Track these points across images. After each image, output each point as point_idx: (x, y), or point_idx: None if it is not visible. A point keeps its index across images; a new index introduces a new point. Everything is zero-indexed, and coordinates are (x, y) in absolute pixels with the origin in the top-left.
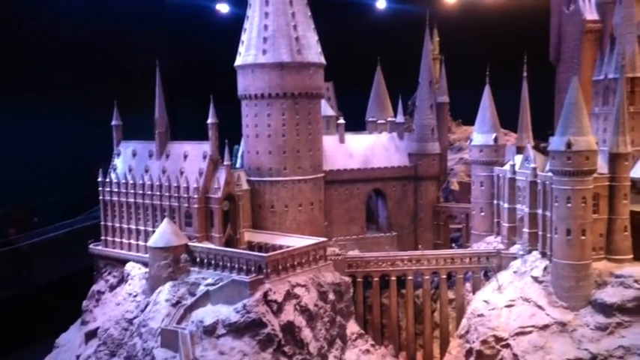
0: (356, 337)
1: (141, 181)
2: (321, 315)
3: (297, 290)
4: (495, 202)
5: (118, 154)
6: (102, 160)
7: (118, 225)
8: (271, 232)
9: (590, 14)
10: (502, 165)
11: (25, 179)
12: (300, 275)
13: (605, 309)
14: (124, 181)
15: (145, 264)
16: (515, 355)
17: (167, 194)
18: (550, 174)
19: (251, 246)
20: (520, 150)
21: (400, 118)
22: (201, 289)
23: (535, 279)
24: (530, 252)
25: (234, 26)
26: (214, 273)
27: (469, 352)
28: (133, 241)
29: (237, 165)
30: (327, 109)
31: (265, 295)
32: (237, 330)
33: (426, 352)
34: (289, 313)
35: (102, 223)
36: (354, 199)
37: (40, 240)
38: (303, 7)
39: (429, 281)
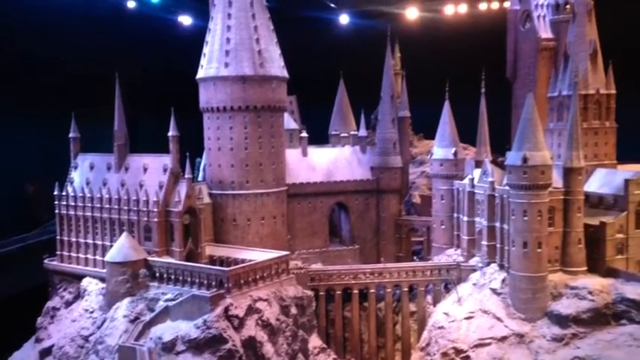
0: (318, 351)
1: (99, 195)
2: (283, 329)
3: (259, 305)
4: (455, 215)
5: (76, 167)
6: (59, 174)
7: (74, 239)
8: (233, 246)
9: (545, 33)
10: (462, 179)
11: None
12: (262, 289)
13: (560, 320)
14: (81, 194)
15: (102, 279)
16: None
17: (126, 208)
18: (507, 188)
19: (212, 260)
20: (479, 164)
21: (363, 132)
22: (161, 304)
23: (494, 291)
24: (488, 264)
25: (196, 38)
26: (174, 288)
27: None
28: (89, 256)
29: (200, 178)
30: (290, 122)
31: (226, 310)
32: (197, 346)
33: None
34: (251, 328)
35: (57, 237)
36: (317, 213)
37: None
38: (265, 21)
39: (391, 294)
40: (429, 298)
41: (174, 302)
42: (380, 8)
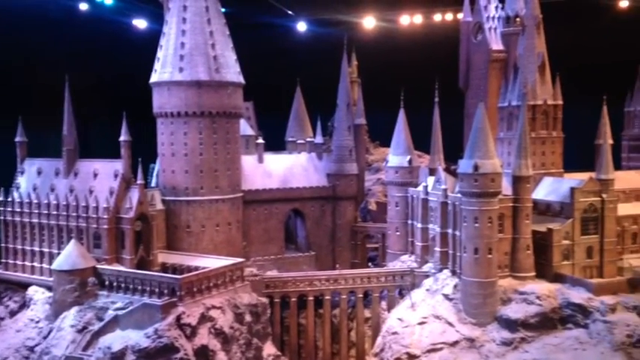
0: (272, 358)
1: (46, 201)
2: (237, 337)
3: (213, 313)
4: (410, 222)
5: (22, 172)
6: (4, 179)
7: (20, 247)
8: (187, 253)
9: (496, 44)
10: (416, 186)
11: None
12: (215, 297)
13: (510, 325)
14: (27, 200)
15: (49, 288)
16: None
17: (74, 214)
18: (459, 195)
19: (165, 268)
20: (433, 172)
21: (319, 139)
22: (110, 313)
23: (446, 296)
24: (441, 270)
25: (151, 42)
26: (124, 297)
27: None
28: (36, 264)
29: (153, 184)
30: (246, 128)
31: (178, 318)
32: (147, 356)
33: None
34: (203, 337)
35: (2, 244)
36: (273, 219)
37: None
38: (221, 27)
39: (345, 300)
40: (384, 304)
41: (124, 311)
42: (337, 17)
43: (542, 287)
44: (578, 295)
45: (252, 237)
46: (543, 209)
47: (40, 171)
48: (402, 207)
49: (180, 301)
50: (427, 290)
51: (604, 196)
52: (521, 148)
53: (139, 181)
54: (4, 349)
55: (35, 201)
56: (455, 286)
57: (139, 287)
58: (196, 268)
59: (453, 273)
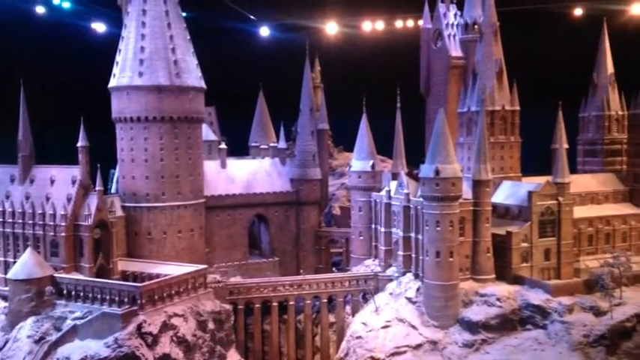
0: None
1: (1, 208)
2: (200, 345)
3: (175, 321)
4: (373, 226)
5: None
6: None
7: None
8: (148, 260)
9: (455, 51)
10: (379, 191)
11: None
12: (177, 305)
13: (471, 327)
14: None
15: (5, 298)
16: None
17: (31, 222)
18: (421, 199)
19: (125, 276)
20: (395, 176)
21: (283, 144)
22: (68, 323)
23: (409, 300)
24: (404, 274)
25: (111, 46)
26: (83, 306)
27: None
28: None
29: (113, 190)
30: (208, 133)
31: (139, 327)
32: None
33: None
34: (165, 345)
35: None
36: (237, 225)
37: None
38: (181, 31)
39: (310, 305)
40: (348, 308)
41: (83, 321)
42: (300, 22)
43: (502, 289)
44: (536, 297)
45: (215, 243)
46: (502, 213)
47: None
48: (365, 211)
49: (141, 310)
50: (391, 294)
51: (560, 199)
52: (480, 152)
53: (97, 188)
54: None
55: None
56: (418, 290)
57: (99, 296)
58: (158, 276)
59: (416, 276)
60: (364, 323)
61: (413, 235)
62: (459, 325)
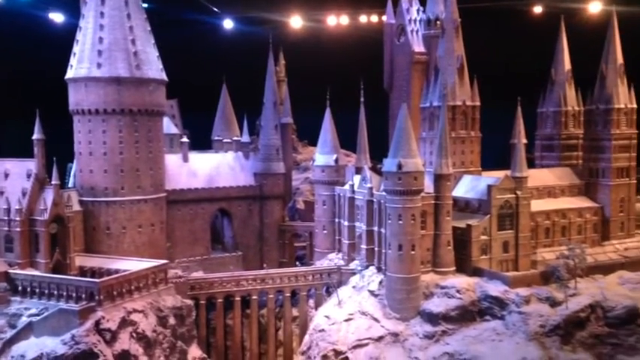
0: None
1: None
2: (160, 341)
3: (134, 316)
4: (337, 220)
5: None
6: None
7: None
8: (107, 255)
9: (418, 47)
10: (342, 185)
11: None
12: (137, 300)
13: (432, 318)
14: None
15: None
16: None
17: None
18: (384, 193)
19: (83, 271)
20: (359, 170)
21: (246, 138)
22: (24, 320)
23: (371, 293)
24: (367, 267)
25: (69, 37)
26: (39, 302)
27: None
28: None
29: (71, 184)
30: (170, 127)
31: (97, 323)
32: None
33: None
34: (124, 342)
35: None
36: (199, 219)
37: None
38: (142, 22)
39: (273, 300)
40: (311, 302)
41: (38, 317)
42: (264, 15)
43: (462, 281)
44: (495, 288)
45: (176, 238)
46: (463, 206)
47: None
48: (329, 205)
49: (99, 306)
50: (354, 287)
51: (518, 193)
52: (441, 147)
53: (53, 182)
54: None
55: None
56: (380, 283)
57: (55, 292)
58: (116, 271)
59: (379, 270)
60: (327, 316)
61: (376, 228)
62: (420, 317)
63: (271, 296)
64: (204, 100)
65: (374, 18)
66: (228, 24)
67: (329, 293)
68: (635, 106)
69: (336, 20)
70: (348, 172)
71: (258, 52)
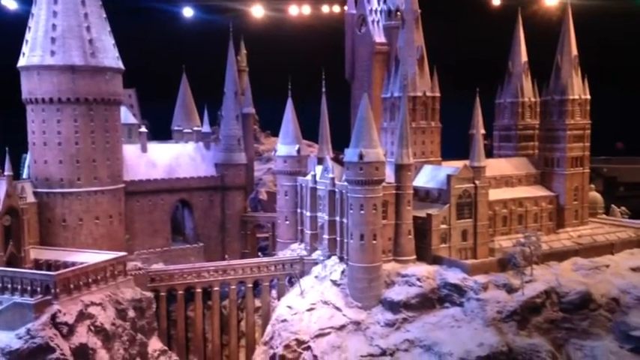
0: (158, 354)
1: None
2: (120, 334)
3: (92, 310)
4: (299, 210)
5: None
6: None
7: None
8: (63, 248)
9: (379, 37)
10: (305, 175)
11: None
12: (95, 293)
13: (393, 306)
14: None
15: None
16: (315, 356)
17: None
18: (346, 183)
19: (38, 264)
20: (321, 161)
21: (207, 128)
22: None
23: (334, 282)
24: (329, 257)
25: (22, 24)
26: None
27: (272, 358)
28: None
29: (25, 175)
30: (128, 116)
31: (53, 317)
32: (19, 358)
33: None
34: (82, 335)
35: None
36: (159, 211)
37: None
38: (97, 9)
39: (235, 291)
40: (274, 292)
41: None
42: (225, 4)
43: (422, 270)
44: (454, 276)
45: (136, 229)
46: (423, 196)
47: None
48: (291, 196)
49: (55, 299)
50: (316, 277)
51: (477, 182)
52: (402, 137)
53: (6, 173)
54: None
55: None
56: (342, 272)
57: (9, 285)
58: (73, 264)
59: (341, 259)
60: (289, 307)
61: (338, 218)
62: (382, 306)
63: (233, 287)
64: (163, 89)
65: (335, 8)
66: (187, 12)
67: (291, 283)
68: (588, 97)
69: (298, 10)
70: (310, 163)
71: (219, 41)
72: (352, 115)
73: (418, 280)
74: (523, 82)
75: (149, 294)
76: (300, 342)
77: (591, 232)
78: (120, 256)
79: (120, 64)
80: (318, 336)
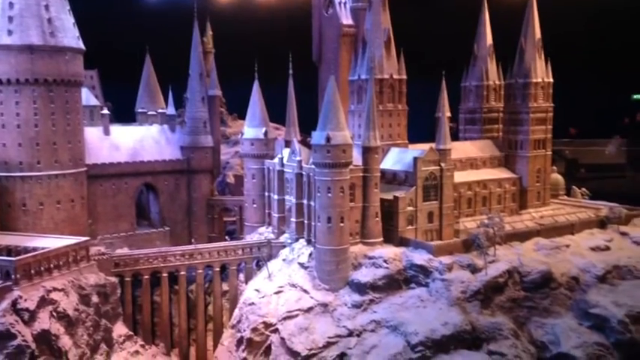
0: (124, 339)
1: None
2: (83, 320)
3: (54, 295)
4: (267, 194)
5: None
6: None
7: None
8: (24, 233)
9: (346, 19)
10: (272, 158)
11: None
12: (57, 279)
13: (360, 288)
14: None
15: None
16: (282, 338)
17: None
18: (313, 166)
19: None
20: (288, 144)
21: (172, 110)
22: None
23: (301, 265)
24: (297, 240)
25: None
26: None
27: (240, 341)
28: None
29: None
30: (90, 98)
31: (14, 303)
32: None
33: (199, 347)
34: (44, 321)
35: None
36: (122, 195)
37: None
38: None
39: (202, 275)
40: (241, 276)
41: None
42: None
43: (389, 251)
44: (420, 257)
45: (99, 214)
46: (390, 178)
47: None
48: (258, 179)
49: (15, 285)
50: (284, 260)
51: (442, 165)
52: (369, 120)
53: None
54: None
55: None
56: (310, 255)
57: None
58: (34, 249)
59: (308, 242)
60: (257, 290)
61: (305, 201)
62: (349, 287)
63: (200, 271)
64: (126, 70)
65: None
66: None
67: (259, 267)
68: (551, 80)
69: None
70: (278, 146)
71: (184, 21)
72: (320, 97)
73: (385, 261)
74: (488, 66)
75: (113, 279)
76: (267, 325)
77: (553, 213)
78: (82, 241)
79: (80, 44)
80: (285, 318)
